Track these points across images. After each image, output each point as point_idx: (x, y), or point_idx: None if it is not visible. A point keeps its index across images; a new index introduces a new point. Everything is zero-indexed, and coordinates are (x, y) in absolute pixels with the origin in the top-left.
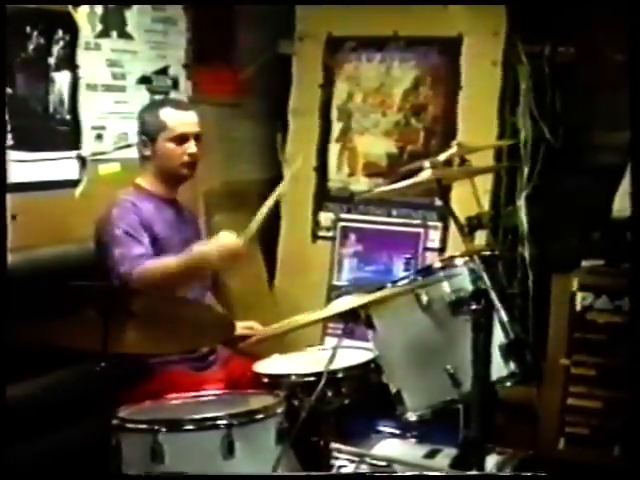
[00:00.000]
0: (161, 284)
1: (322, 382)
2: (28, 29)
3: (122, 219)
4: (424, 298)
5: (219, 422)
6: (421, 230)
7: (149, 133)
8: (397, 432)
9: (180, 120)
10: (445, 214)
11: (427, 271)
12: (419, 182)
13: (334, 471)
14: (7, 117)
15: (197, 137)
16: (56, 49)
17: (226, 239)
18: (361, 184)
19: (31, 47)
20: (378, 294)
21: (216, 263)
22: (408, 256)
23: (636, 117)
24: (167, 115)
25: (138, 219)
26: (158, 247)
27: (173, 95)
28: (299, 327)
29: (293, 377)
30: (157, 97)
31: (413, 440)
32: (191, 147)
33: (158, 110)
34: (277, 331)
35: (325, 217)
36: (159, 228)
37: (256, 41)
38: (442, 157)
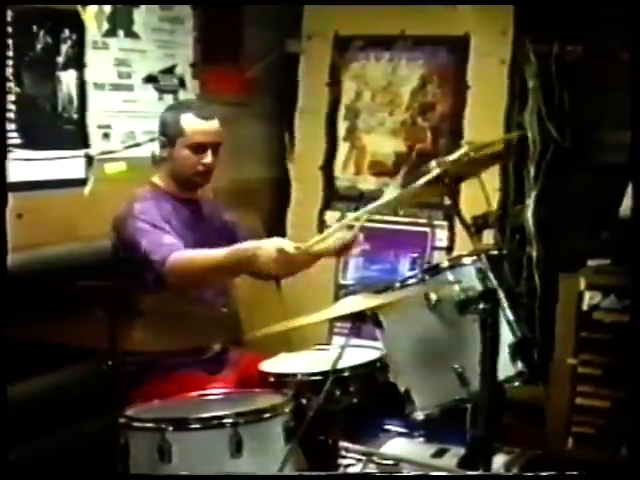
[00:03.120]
0: (197, 276)
1: (329, 381)
2: (35, 28)
3: (145, 212)
4: (432, 297)
5: (226, 421)
6: (428, 229)
7: (167, 136)
8: (405, 431)
9: (199, 129)
10: (451, 213)
11: (434, 270)
12: (430, 180)
13: (341, 470)
14: (14, 116)
15: (215, 147)
16: (64, 48)
17: (284, 243)
18: (368, 183)
19: (39, 46)
20: (389, 297)
21: (267, 265)
22: (415, 255)
23: (636, 117)
24: (187, 121)
25: (159, 213)
26: None
27: (181, 94)
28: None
29: (300, 376)
30: (168, 96)
31: (421, 439)
32: (207, 157)
33: (180, 114)
34: (285, 326)
35: (331, 216)
36: (176, 228)
37: (263, 40)
38: (452, 157)
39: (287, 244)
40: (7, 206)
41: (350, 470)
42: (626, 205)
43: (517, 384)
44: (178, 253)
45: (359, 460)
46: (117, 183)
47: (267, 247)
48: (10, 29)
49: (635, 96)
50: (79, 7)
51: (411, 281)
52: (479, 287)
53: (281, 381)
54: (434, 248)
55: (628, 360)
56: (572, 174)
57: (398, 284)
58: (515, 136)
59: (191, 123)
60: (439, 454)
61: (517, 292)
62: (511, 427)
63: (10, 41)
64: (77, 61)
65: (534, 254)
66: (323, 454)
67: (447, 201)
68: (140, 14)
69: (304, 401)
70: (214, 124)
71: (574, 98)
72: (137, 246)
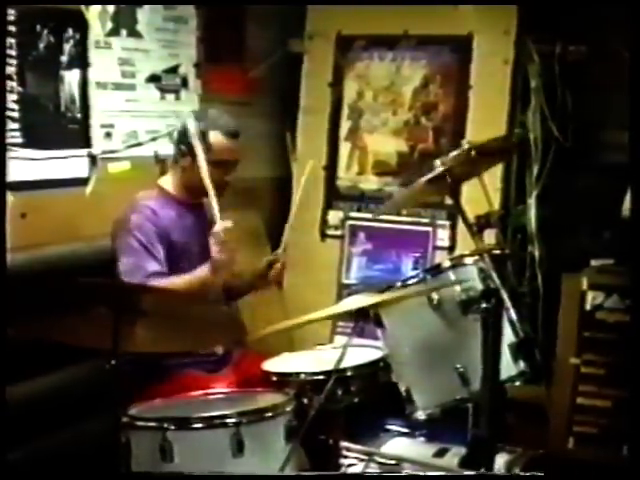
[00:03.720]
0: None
1: (331, 381)
2: (38, 27)
3: (139, 228)
4: (434, 297)
5: (228, 420)
6: (430, 229)
7: (190, 147)
8: (406, 431)
9: (226, 148)
10: (454, 213)
11: (436, 270)
12: (432, 178)
13: (343, 470)
14: (17, 115)
15: (235, 165)
16: (67, 47)
17: (218, 228)
18: (371, 183)
19: (42, 46)
20: (390, 295)
21: (218, 272)
22: (417, 255)
23: (635, 117)
24: (215, 139)
25: (155, 229)
26: (177, 254)
27: (184, 94)
28: (308, 322)
29: (302, 375)
30: (170, 96)
31: (422, 439)
32: (228, 175)
33: (208, 130)
34: (287, 325)
35: (334, 215)
36: (178, 235)
37: (266, 40)
38: (453, 155)
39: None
40: (7, 206)
41: (351, 470)
42: (627, 205)
43: (519, 384)
44: (155, 284)
45: (360, 460)
46: (120, 183)
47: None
48: (14, 28)
49: (634, 96)
50: (82, 6)
51: (413, 280)
52: (481, 287)
53: (283, 380)
54: (436, 248)
55: (629, 360)
56: (574, 174)
57: (400, 284)
58: (517, 134)
59: (219, 140)
60: (440, 454)
61: (520, 292)
62: (513, 427)
63: (13, 40)
64: (80, 60)
65: (536, 254)
66: (324, 454)
67: (449, 201)
68: (144, 14)
69: (306, 401)
70: (238, 142)
71: (577, 98)
72: (122, 261)
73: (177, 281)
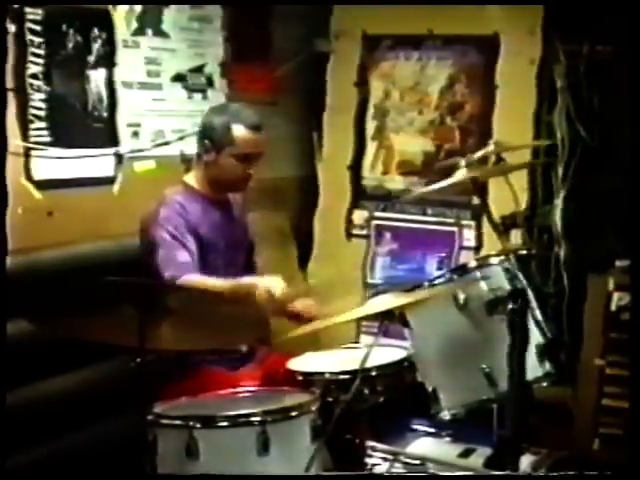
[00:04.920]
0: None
1: (357, 380)
2: (65, 27)
3: (169, 221)
4: (461, 297)
5: (253, 419)
6: (455, 229)
7: (216, 142)
8: (432, 431)
9: (250, 141)
10: (479, 213)
11: (462, 270)
12: (455, 182)
13: (368, 469)
14: (45, 114)
15: (258, 158)
16: (94, 47)
17: (274, 285)
18: (396, 182)
19: (69, 45)
20: (417, 295)
21: (261, 302)
22: (442, 255)
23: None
24: (239, 132)
25: (184, 222)
26: (203, 249)
27: (210, 93)
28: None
29: (328, 375)
30: (197, 95)
31: (447, 439)
32: (251, 168)
33: (231, 123)
34: (314, 327)
35: (359, 215)
36: (204, 230)
37: (292, 39)
38: (478, 155)
39: (276, 286)
40: (7, 206)
41: (376, 469)
42: None
43: (545, 385)
44: (188, 277)
45: (385, 459)
46: (146, 181)
47: (260, 286)
48: (41, 28)
49: (635, 96)
50: (109, 6)
51: (439, 281)
52: (507, 287)
53: (309, 380)
54: (462, 248)
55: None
56: (601, 174)
57: (426, 283)
58: (544, 143)
59: (242, 134)
60: (466, 454)
61: (545, 292)
62: (538, 428)
63: (41, 40)
64: (107, 60)
65: (562, 254)
66: (350, 453)
67: (475, 201)
68: (170, 13)
69: (331, 400)
70: (262, 135)
71: (603, 98)
72: (154, 255)
73: (208, 282)
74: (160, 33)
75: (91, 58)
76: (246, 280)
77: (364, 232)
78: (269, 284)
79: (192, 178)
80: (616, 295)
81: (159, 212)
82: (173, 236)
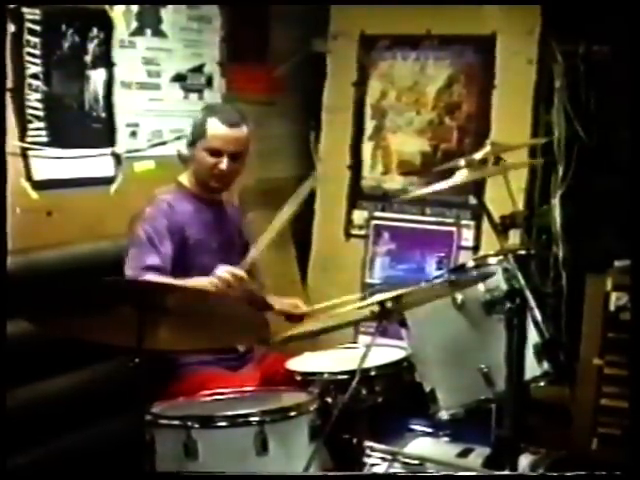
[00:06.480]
0: None
1: (355, 380)
2: (63, 27)
3: (150, 221)
4: (458, 297)
5: (252, 419)
6: (454, 229)
7: (192, 136)
8: (430, 431)
9: (220, 135)
10: (478, 213)
11: (461, 270)
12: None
13: (366, 469)
14: (43, 114)
15: (235, 156)
16: (91, 47)
17: (221, 272)
18: (395, 182)
19: (67, 45)
20: (414, 294)
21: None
22: (441, 255)
23: (636, 117)
24: (211, 126)
25: (168, 223)
26: (192, 249)
27: (208, 93)
28: (334, 328)
29: (326, 375)
30: (194, 95)
31: (446, 439)
32: (222, 163)
33: (207, 117)
34: (312, 328)
35: (358, 215)
36: (194, 230)
37: (290, 39)
38: (477, 156)
39: (223, 271)
40: (7, 206)
41: (375, 469)
42: None
43: (543, 384)
44: (147, 277)
45: (384, 459)
46: (145, 181)
47: (213, 280)
48: (38, 28)
49: (635, 96)
50: (107, 6)
51: (437, 280)
52: (505, 287)
53: (307, 380)
54: (460, 248)
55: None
56: (599, 174)
57: (424, 283)
58: (540, 142)
59: (214, 128)
60: (464, 454)
61: (544, 292)
62: (536, 427)
63: (38, 40)
64: (105, 60)
65: (561, 254)
66: (348, 453)
67: (474, 200)
68: (168, 13)
69: (329, 400)
70: (238, 132)
71: (601, 98)
72: (127, 250)
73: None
74: (159, 33)
75: (88, 58)
76: (193, 281)
77: (363, 232)
78: (220, 274)
79: (185, 178)
80: (614, 295)
81: (144, 211)
82: (149, 237)
